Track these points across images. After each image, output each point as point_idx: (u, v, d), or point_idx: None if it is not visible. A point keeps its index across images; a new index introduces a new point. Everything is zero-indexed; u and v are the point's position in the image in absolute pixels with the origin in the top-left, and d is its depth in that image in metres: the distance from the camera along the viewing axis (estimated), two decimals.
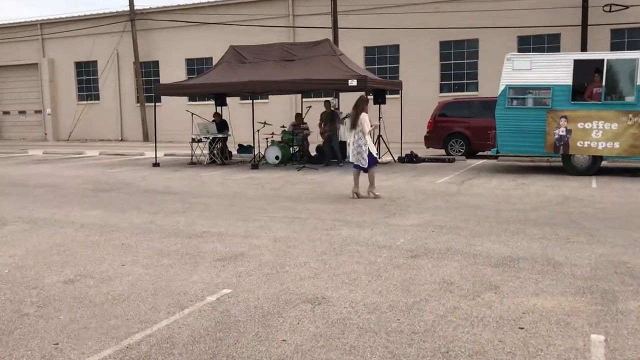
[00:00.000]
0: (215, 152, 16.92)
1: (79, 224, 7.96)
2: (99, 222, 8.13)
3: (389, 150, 16.68)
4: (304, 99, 24.55)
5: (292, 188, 11.35)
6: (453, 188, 11.03)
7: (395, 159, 16.70)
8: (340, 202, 9.50)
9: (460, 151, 17.62)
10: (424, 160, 16.45)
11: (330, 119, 15.35)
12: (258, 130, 16.92)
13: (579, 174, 12.69)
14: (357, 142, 9.71)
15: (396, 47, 26.09)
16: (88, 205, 9.56)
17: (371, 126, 9.79)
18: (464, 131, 17.48)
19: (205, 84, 15.33)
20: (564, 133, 12.63)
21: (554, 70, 12.78)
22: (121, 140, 32.21)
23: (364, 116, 9.67)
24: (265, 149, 16.28)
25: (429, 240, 6.74)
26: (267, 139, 16.72)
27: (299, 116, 16.88)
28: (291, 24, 27.30)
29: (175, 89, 16.26)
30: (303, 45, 15.82)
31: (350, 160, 10.02)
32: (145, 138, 30.62)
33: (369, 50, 26.60)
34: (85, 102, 32.94)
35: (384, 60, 26.44)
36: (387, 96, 16.50)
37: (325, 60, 15.05)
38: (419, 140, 23.76)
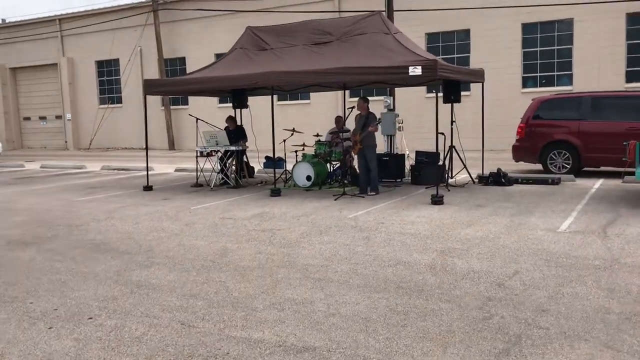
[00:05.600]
0: (228, 170, 12.63)
1: None
2: None
3: (465, 167, 11.97)
4: (351, 98, 20.13)
5: (318, 242, 6.85)
6: (597, 248, 6.25)
7: (475, 179, 11.95)
8: (401, 290, 4.94)
9: (564, 167, 12.67)
10: (516, 181, 11.62)
11: (364, 123, 10.35)
12: (284, 141, 12.54)
13: None
14: None
15: (466, 33, 21.16)
16: None
17: None
18: (570, 139, 12.52)
19: (208, 77, 11.00)
20: None
21: None
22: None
23: None
24: (293, 166, 11.85)
25: None
26: (296, 152, 12.30)
27: (339, 120, 12.40)
28: (336, 8, 22.77)
29: (168, 86, 11.95)
30: (343, 22, 11.27)
31: None
32: (171, 146, 26.74)
33: (431, 38, 21.75)
34: (106, 105, 29.39)
35: (450, 50, 21.52)
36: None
37: (375, 41, 10.45)
38: (496, 148, 18.91)
